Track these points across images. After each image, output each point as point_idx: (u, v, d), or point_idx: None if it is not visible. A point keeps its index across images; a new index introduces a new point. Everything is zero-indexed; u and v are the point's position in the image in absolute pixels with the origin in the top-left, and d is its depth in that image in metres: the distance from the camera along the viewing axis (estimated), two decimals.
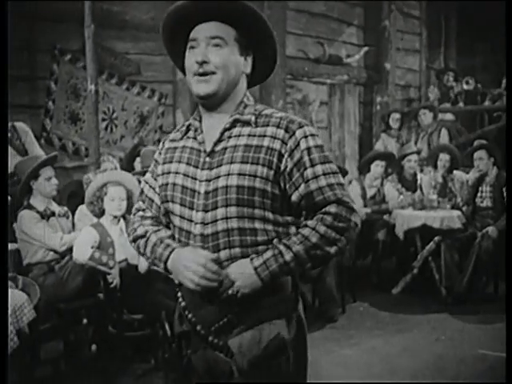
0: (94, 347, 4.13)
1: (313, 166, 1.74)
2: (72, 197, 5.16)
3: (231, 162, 1.74)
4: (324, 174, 1.74)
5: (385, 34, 8.75)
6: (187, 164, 1.81)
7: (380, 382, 3.80)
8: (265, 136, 1.75)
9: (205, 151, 1.78)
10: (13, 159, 5.14)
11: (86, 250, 3.81)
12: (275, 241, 1.73)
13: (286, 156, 1.73)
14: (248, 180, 1.71)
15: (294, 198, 1.76)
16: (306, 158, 1.74)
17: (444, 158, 6.19)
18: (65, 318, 4.08)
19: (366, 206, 6.06)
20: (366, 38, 8.85)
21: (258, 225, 1.73)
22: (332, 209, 1.71)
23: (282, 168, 1.73)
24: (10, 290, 3.51)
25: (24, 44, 5.82)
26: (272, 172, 1.72)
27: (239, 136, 1.77)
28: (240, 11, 1.75)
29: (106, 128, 6.55)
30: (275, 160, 1.73)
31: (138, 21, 6.55)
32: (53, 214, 4.23)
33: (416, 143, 7.57)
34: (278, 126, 1.75)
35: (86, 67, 6.06)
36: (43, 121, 6.08)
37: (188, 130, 1.87)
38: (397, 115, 7.77)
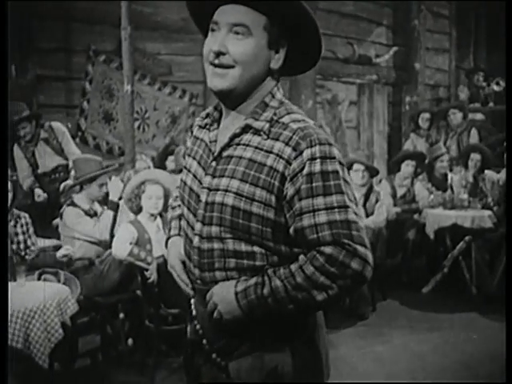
0: (130, 341, 4.23)
1: (312, 196, 1.46)
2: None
3: (232, 177, 1.53)
4: (326, 209, 1.45)
5: (414, 34, 8.74)
6: (198, 163, 1.65)
7: (381, 382, 3.84)
8: (271, 152, 1.50)
9: (213, 154, 1.60)
10: (49, 158, 5.30)
11: (125, 246, 3.92)
12: (266, 267, 1.52)
13: (288, 180, 1.47)
14: (244, 203, 1.50)
15: (291, 231, 1.51)
16: (304, 186, 1.46)
17: (475, 157, 6.19)
18: (102, 312, 4.19)
19: (395, 205, 6.10)
20: (395, 38, 8.85)
21: (256, 248, 1.53)
22: (327, 249, 1.44)
23: (284, 193, 1.48)
24: (53, 284, 3.66)
25: (60, 45, 5.97)
26: (273, 197, 1.48)
27: (247, 146, 1.54)
28: None
29: (139, 127, 6.67)
30: (277, 183, 1.48)
31: (169, 22, 6.65)
32: (95, 213, 4.34)
33: (445, 143, 7.56)
34: (287, 143, 1.48)
35: (119, 68, 6.20)
36: (78, 120, 6.22)
37: (207, 120, 1.70)
38: (426, 115, 7.76)
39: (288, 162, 1.47)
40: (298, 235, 1.49)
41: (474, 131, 7.72)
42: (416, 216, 6.02)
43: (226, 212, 1.52)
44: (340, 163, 1.50)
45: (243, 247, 1.53)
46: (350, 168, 5.46)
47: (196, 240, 1.60)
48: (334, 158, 1.48)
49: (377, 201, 5.44)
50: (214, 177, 1.57)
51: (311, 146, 1.46)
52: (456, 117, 7.62)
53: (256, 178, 1.49)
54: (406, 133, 8.61)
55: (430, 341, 4.55)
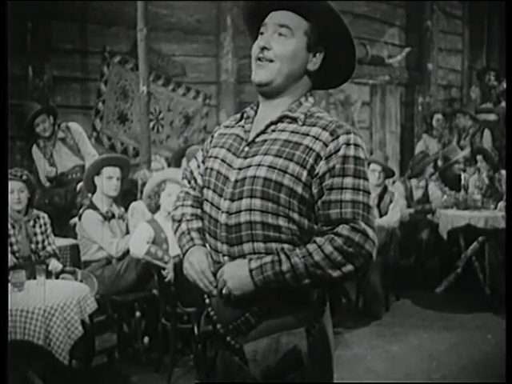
0: (146, 339, 4.27)
1: (344, 176, 1.62)
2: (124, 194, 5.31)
3: (266, 154, 1.67)
4: (353, 189, 1.62)
5: (427, 35, 8.73)
6: (227, 150, 1.77)
7: (386, 382, 3.86)
8: (307, 135, 1.66)
9: (246, 140, 1.74)
10: (67, 158, 5.36)
11: (143, 246, 3.96)
12: (279, 248, 1.64)
13: (323, 159, 1.63)
14: (277, 174, 1.63)
15: (318, 203, 1.65)
16: (339, 166, 1.62)
17: (480, 159, 6.25)
18: (119, 311, 4.23)
19: (409, 206, 6.11)
20: (408, 39, 8.84)
21: (282, 222, 1.64)
22: (344, 231, 1.59)
23: (317, 171, 1.63)
24: (73, 282, 3.71)
25: (76, 47, 6.02)
26: (305, 172, 1.63)
27: (283, 131, 1.70)
28: (314, 4, 1.69)
29: (153, 128, 6.70)
30: (311, 161, 1.63)
31: (183, 23, 6.70)
32: (113, 215, 4.37)
33: (458, 144, 7.57)
34: (324, 128, 1.66)
35: (133, 69, 6.26)
36: (93, 121, 6.26)
37: (242, 117, 1.84)
38: (440, 116, 7.78)
39: (325, 144, 1.64)
40: (323, 208, 1.63)
41: (486, 132, 7.72)
42: (429, 216, 6.04)
43: (257, 183, 1.65)
44: (365, 156, 1.69)
45: (270, 220, 1.64)
46: None
47: (223, 217, 1.70)
48: (363, 149, 1.68)
49: (391, 201, 5.46)
50: (246, 158, 1.71)
51: (347, 134, 1.65)
52: (461, 121, 7.66)
53: (291, 154, 1.65)
54: (418, 133, 8.61)
55: (444, 341, 4.56)
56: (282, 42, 1.71)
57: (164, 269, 3.92)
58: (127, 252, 4.16)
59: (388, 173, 5.58)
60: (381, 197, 5.47)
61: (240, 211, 1.67)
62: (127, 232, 4.46)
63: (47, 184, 5.22)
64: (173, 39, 6.71)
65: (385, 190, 5.53)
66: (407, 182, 6.28)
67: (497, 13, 10.15)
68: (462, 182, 6.25)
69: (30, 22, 5.52)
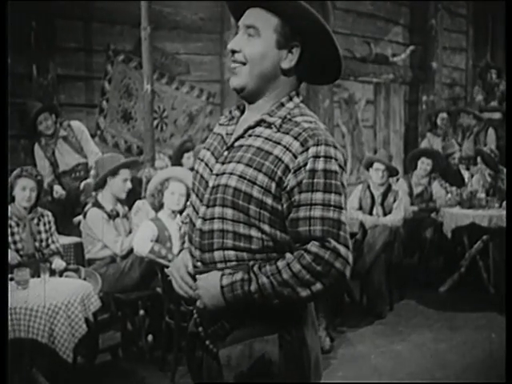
0: (150, 337, 4.28)
1: (313, 191, 1.55)
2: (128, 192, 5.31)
3: (238, 162, 1.63)
4: (323, 205, 1.55)
5: (431, 33, 8.73)
6: (212, 153, 1.74)
7: (387, 382, 3.85)
8: (279, 144, 1.60)
9: (227, 144, 1.70)
10: (69, 156, 5.37)
11: (146, 244, 3.97)
12: (252, 263, 1.60)
13: (292, 172, 1.56)
14: (246, 185, 1.59)
15: (287, 221, 1.60)
16: (306, 181, 1.55)
17: (479, 161, 6.26)
18: (123, 309, 4.24)
19: (412, 204, 6.11)
20: (412, 37, 8.84)
21: (253, 232, 1.61)
22: (313, 248, 1.53)
23: (285, 184, 1.57)
24: (76, 280, 3.72)
25: (81, 45, 6.02)
26: (274, 184, 1.57)
27: (258, 137, 1.65)
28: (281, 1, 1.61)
29: (157, 126, 6.70)
30: (279, 172, 1.57)
31: (187, 21, 6.69)
32: (118, 214, 4.38)
33: (462, 142, 7.57)
34: (295, 138, 1.58)
35: (137, 67, 6.25)
36: (97, 119, 6.26)
37: (229, 117, 1.80)
38: (444, 115, 7.77)
39: (294, 156, 1.57)
40: (292, 225, 1.58)
41: (490, 131, 7.72)
42: (433, 215, 6.03)
43: (228, 193, 1.61)
44: (340, 166, 1.60)
45: (241, 229, 1.61)
46: (370, 166, 5.50)
47: (199, 222, 1.68)
48: (337, 159, 1.58)
49: (394, 200, 5.46)
50: (223, 163, 1.67)
51: (318, 145, 1.56)
52: (464, 120, 7.66)
53: (260, 164, 1.59)
54: (422, 132, 8.60)
55: (448, 340, 4.56)
56: (249, 43, 1.66)
57: (168, 267, 3.92)
58: (131, 250, 4.17)
59: (392, 171, 5.58)
60: (385, 195, 5.48)
61: (213, 218, 1.64)
62: (131, 231, 4.47)
63: (45, 185, 5.17)
64: (177, 38, 6.70)
65: (389, 188, 5.54)
66: (410, 178, 6.28)
67: (501, 11, 10.13)
68: (466, 180, 6.26)
69: (34, 21, 5.51)
